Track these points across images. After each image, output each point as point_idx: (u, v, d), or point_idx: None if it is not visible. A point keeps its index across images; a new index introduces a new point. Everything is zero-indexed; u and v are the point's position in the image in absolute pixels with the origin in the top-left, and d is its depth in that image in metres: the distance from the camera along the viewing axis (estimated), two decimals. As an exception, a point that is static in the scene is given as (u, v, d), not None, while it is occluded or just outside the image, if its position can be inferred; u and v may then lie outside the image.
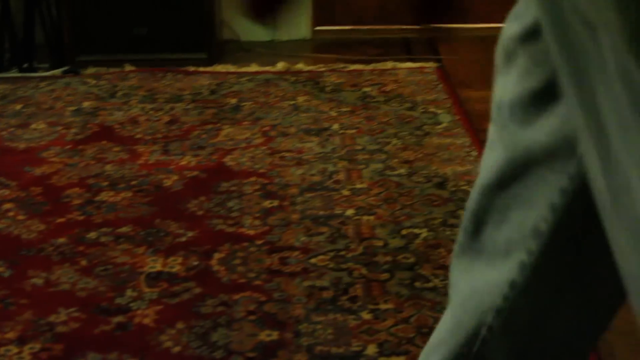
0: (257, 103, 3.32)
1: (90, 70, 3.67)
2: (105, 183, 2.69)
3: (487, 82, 3.57)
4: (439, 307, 2.03)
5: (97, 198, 2.60)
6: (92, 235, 2.39)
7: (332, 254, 2.28)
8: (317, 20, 4.27)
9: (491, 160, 1.05)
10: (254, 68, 3.71)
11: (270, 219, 2.46)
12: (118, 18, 3.78)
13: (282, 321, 2.01)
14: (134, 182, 2.70)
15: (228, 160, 2.84)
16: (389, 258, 2.25)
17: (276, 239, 2.35)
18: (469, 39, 4.12)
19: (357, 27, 4.32)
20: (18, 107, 3.30)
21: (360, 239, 2.34)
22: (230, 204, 2.55)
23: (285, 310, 2.05)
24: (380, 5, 4.29)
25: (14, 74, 3.66)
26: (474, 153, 2.85)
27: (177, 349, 1.92)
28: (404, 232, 2.38)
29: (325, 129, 3.07)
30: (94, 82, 3.54)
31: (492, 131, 1.07)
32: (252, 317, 2.02)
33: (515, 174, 1.02)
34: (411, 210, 2.49)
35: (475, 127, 3.08)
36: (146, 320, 2.02)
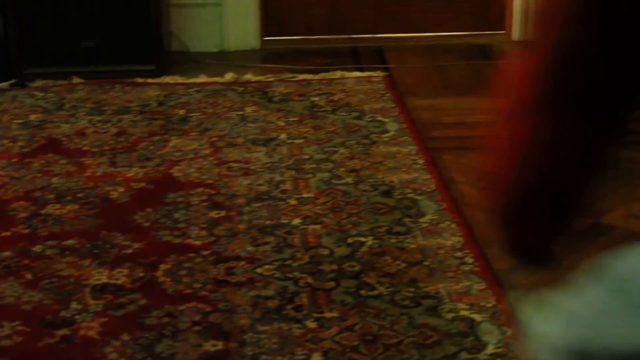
0: (205, 114, 3.32)
1: (38, 82, 3.66)
2: (52, 196, 2.68)
3: (433, 90, 3.62)
4: (383, 315, 2.05)
5: (43, 211, 2.59)
6: (38, 248, 2.38)
7: (278, 263, 2.29)
8: (266, 30, 4.28)
9: None
10: (202, 79, 3.72)
11: (216, 230, 2.47)
12: (66, 31, 3.76)
13: (227, 331, 2.02)
14: (80, 195, 2.69)
15: (175, 172, 2.84)
16: (334, 267, 2.26)
17: (222, 250, 2.36)
18: (416, 48, 4.15)
19: (306, 37, 4.33)
20: (-36, 120, 3.28)
21: (307, 248, 2.35)
22: (177, 215, 2.56)
23: (231, 320, 2.05)
24: (328, 15, 4.30)
25: (-40, 87, 3.64)
26: (420, 161, 2.87)
27: (121, 360, 1.92)
28: (349, 240, 2.39)
29: (273, 139, 3.08)
30: (41, 94, 3.53)
31: None
32: (197, 328, 2.03)
33: None
34: (357, 219, 2.51)
35: (422, 135, 3.10)
36: (91, 333, 2.02)
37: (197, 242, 2.40)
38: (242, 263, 2.29)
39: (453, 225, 2.45)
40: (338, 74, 3.75)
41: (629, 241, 0.86)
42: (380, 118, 3.24)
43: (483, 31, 4.37)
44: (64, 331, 2.03)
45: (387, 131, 3.12)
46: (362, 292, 2.15)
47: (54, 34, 3.74)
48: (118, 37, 3.77)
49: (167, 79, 3.73)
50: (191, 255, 2.34)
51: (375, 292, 2.14)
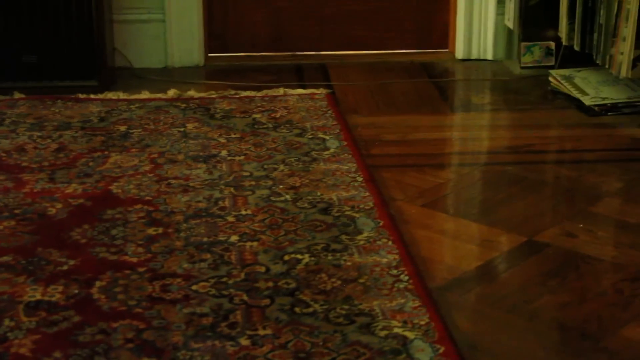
0: (146, 130, 3.32)
1: (-22, 97, 3.64)
2: (-12, 212, 2.66)
3: (375, 108, 3.65)
4: (317, 332, 2.06)
5: (-21, 227, 2.57)
6: (-28, 265, 2.36)
7: (214, 280, 2.29)
8: (211, 47, 4.29)
9: None
10: (145, 95, 3.71)
11: (154, 246, 2.46)
12: (7, 46, 3.75)
13: (160, 348, 2.01)
14: (17, 211, 2.68)
15: (114, 188, 2.83)
16: (270, 284, 2.27)
17: (159, 266, 2.36)
18: (360, 66, 4.18)
19: (251, 54, 4.35)
20: None
21: (243, 265, 2.36)
22: (114, 231, 2.55)
23: (164, 338, 2.05)
24: (272, 32, 4.32)
25: None
26: (360, 178, 2.89)
27: (52, 378, 1.91)
28: (286, 257, 2.40)
29: (214, 156, 3.08)
30: (-19, 109, 3.51)
31: None
32: (130, 345, 2.02)
33: None
34: (294, 236, 2.51)
35: (362, 152, 3.12)
36: (23, 350, 2.01)
37: (134, 259, 2.39)
38: (178, 280, 2.29)
39: (390, 243, 2.47)
40: (281, 90, 3.77)
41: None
42: (321, 135, 3.26)
43: (426, 49, 4.42)
44: (-5, 349, 2.01)
45: (327, 148, 3.14)
46: (297, 309, 2.15)
47: (-5, 48, 3.72)
48: (60, 53, 3.76)
49: (110, 95, 3.72)
50: (127, 272, 2.33)
51: (310, 310, 2.15)
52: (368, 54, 4.34)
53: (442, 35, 4.38)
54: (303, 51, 4.32)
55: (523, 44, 4.04)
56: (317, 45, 4.32)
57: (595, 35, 3.58)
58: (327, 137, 3.24)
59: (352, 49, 4.35)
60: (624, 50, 3.37)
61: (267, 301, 2.19)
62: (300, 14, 4.25)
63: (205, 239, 2.50)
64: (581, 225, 2.63)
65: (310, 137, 3.25)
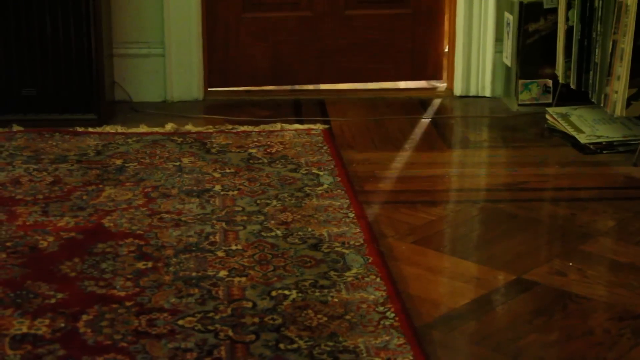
0: (142, 164, 3.33)
1: (-23, 130, 3.66)
2: (-20, 244, 2.67)
3: (371, 143, 3.65)
4: (300, 368, 2.06)
5: (-30, 260, 2.58)
6: (-40, 297, 2.37)
7: (200, 315, 2.29)
8: (209, 81, 4.32)
9: None
10: (142, 129, 3.73)
11: (142, 281, 2.47)
12: (6, 79, 3.78)
13: (143, 383, 2.01)
14: (9, 244, 2.69)
15: (106, 222, 2.84)
16: (256, 319, 2.27)
17: (146, 301, 2.36)
18: (357, 101, 4.20)
19: (249, 88, 4.38)
20: None
21: (230, 301, 2.36)
22: (104, 265, 2.56)
23: (147, 373, 2.05)
24: (272, 66, 4.35)
25: None
26: (351, 214, 2.90)
27: (33, 412, 1.91)
28: (273, 293, 2.40)
29: (207, 190, 3.09)
30: (-21, 142, 3.53)
31: None
32: (112, 380, 2.03)
33: None
34: (283, 272, 2.52)
35: (355, 188, 3.13)
36: (5, 384, 2.01)
37: (122, 293, 2.40)
38: (165, 315, 2.29)
39: (378, 280, 2.47)
40: (278, 126, 3.78)
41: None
42: (315, 171, 3.27)
43: (424, 85, 4.45)
44: (-22, 382, 2.02)
45: (321, 184, 3.15)
46: (281, 345, 2.15)
47: (-5, 81, 3.75)
48: (59, 86, 3.79)
49: (108, 129, 3.74)
50: (114, 306, 2.34)
51: (295, 346, 2.15)
52: (366, 90, 4.36)
53: (437, 66, 4.43)
54: (302, 84, 4.35)
55: (520, 81, 4.05)
56: (315, 78, 4.35)
57: (591, 73, 3.60)
58: (321, 173, 3.25)
59: (349, 80, 4.41)
60: (618, 89, 3.38)
61: (252, 337, 2.19)
62: (299, 48, 4.28)
63: (194, 274, 2.51)
64: (571, 264, 2.63)
65: (304, 172, 3.26)
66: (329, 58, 4.34)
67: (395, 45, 4.35)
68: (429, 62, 4.43)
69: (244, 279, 2.48)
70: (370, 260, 2.59)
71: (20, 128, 3.72)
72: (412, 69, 4.41)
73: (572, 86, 3.75)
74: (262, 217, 2.87)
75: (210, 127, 3.78)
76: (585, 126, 3.68)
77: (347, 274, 2.51)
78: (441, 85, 4.43)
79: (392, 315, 2.29)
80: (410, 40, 4.35)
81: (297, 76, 4.27)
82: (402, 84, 4.46)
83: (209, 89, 4.31)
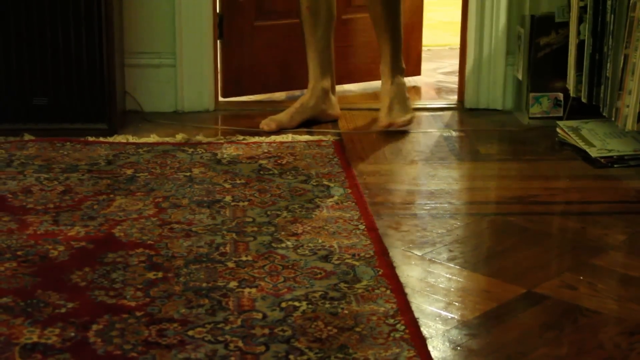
0: (152, 174, 3.34)
1: (-11, 139, 3.67)
2: (-9, 253, 2.68)
3: (382, 156, 3.66)
4: (310, 380, 2.06)
5: (-19, 268, 2.58)
6: (-29, 306, 2.37)
7: (210, 326, 2.29)
8: (221, 91, 4.33)
9: None
10: (153, 139, 3.74)
11: (152, 291, 2.47)
12: (18, 88, 3.79)
13: (152, 394, 2.02)
14: (19, 253, 2.69)
15: (117, 231, 2.85)
16: (266, 331, 2.27)
17: (156, 311, 2.36)
18: (369, 113, 4.20)
19: (261, 98, 4.39)
20: None
21: (240, 312, 2.36)
22: (114, 275, 2.56)
23: (157, 383, 2.05)
24: (282, 73, 4.38)
25: None
26: (362, 226, 2.90)
27: (43, 421, 1.92)
28: (283, 304, 2.40)
29: (218, 201, 3.09)
30: (-9, 150, 3.54)
31: None
32: (122, 390, 2.03)
33: None
34: (293, 283, 2.52)
35: (366, 200, 3.13)
36: (15, 393, 2.01)
37: (132, 303, 2.40)
38: (175, 325, 2.29)
39: (388, 292, 2.47)
40: (289, 137, 3.79)
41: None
42: (326, 182, 3.27)
43: (435, 97, 4.46)
44: (-11, 390, 2.02)
45: (331, 196, 3.15)
46: (291, 357, 2.15)
47: (6, 91, 3.77)
48: (71, 96, 3.81)
49: (119, 138, 3.75)
50: (124, 316, 2.34)
51: (305, 357, 2.15)
52: (377, 101, 4.36)
53: (416, 64, 4.83)
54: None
55: (531, 94, 4.05)
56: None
57: (602, 87, 3.59)
58: (332, 185, 3.25)
59: (349, 81, 4.63)
60: (629, 104, 3.38)
61: (262, 348, 2.19)
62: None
63: (204, 285, 2.51)
64: (582, 278, 2.62)
65: (315, 184, 3.26)
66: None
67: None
68: (410, 62, 4.69)
69: (254, 290, 2.48)
70: (380, 273, 2.59)
71: (32, 137, 3.73)
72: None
73: (583, 100, 3.75)
74: (273, 228, 2.87)
75: (221, 137, 3.79)
76: (596, 140, 3.68)
77: (357, 285, 2.51)
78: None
79: (403, 327, 2.29)
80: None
81: (305, 81, 4.26)
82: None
83: (220, 100, 4.32)
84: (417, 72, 4.90)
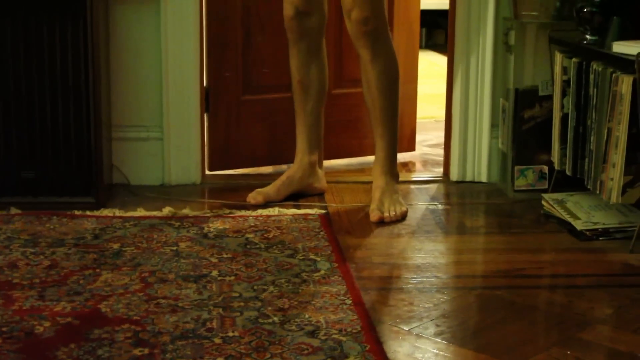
0: (139, 248, 3.34)
1: (-25, 212, 3.67)
2: (-25, 329, 2.66)
3: (368, 229, 3.66)
4: None
5: (-35, 345, 2.57)
6: (-45, 384, 2.35)
7: (196, 403, 2.28)
8: (208, 165, 4.35)
9: None
10: (140, 213, 3.74)
11: (138, 368, 2.46)
12: (5, 161, 3.80)
13: None
14: (4, 329, 2.68)
15: (103, 307, 2.84)
16: (253, 408, 2.26)
17: (142, 388, 2.35)
18: (354, 186, 4.22)
19: (247, 172, 4.41)
20: None
21: (226, 389, 2.35)
22: (100, 351, 2.55)
23: None
24: (269, 147, 4.40)
25: None
26: (348, 301, 2.89)
27: None
28: (270, 381, 2.39)
29: (204, 276, 3.09)
30: (-23, 225, 3.53)
31: None
32: None
33: None
34: (280, 359, 2.51)
35: (352, 274, 3.13)
36: None
37: (118, 380, 2.39)
38: (161, 403, 2.28)
39: (375, 368, 2.46)
40: (276, 210, 3.80)
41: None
42: (312, 256, 3.27)
43: (421, 169, 4.48)
44: None
45: (318, 270, 3.15)
46: None
47: (-6, 164, 3.78)
48: (58, 169, 3.81)
49: (106, 212, 3.75)
50: (110, 393, 2.32)
51: None
52: (363, 174, 4.39)
53: (410, 140, 4.86)
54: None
55: (516, 167, 4.08)
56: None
57: (587, 160, 3.62)
58: (319, 259, 3.25)
59: (338, 157, 4.64)
60: (614, 176, 3.41)
61: None
62: (294, 127, 4.32)
63: (190, 361, 2.50)
64: (569, 352, 2.62)
65: (301, 258, 3.26)
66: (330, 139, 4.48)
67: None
68: (404, 137, 4.73)
69: (240, 366, 2.47)
70: (367, 348, 2.58)
71: (18, 211, 3.73)
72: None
73: (568, 173, 3.78)
74: (259, 303, 2.87)
75: (208, 211, 3.80)
76: (582, 212, 3.70)
77: (344, 361, 2.50)
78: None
79: (390, 404, 2.28)
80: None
81: (292, 155, 4.28)
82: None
83: (206, 173, 4.34)
84: (411, 147, 4.90)
